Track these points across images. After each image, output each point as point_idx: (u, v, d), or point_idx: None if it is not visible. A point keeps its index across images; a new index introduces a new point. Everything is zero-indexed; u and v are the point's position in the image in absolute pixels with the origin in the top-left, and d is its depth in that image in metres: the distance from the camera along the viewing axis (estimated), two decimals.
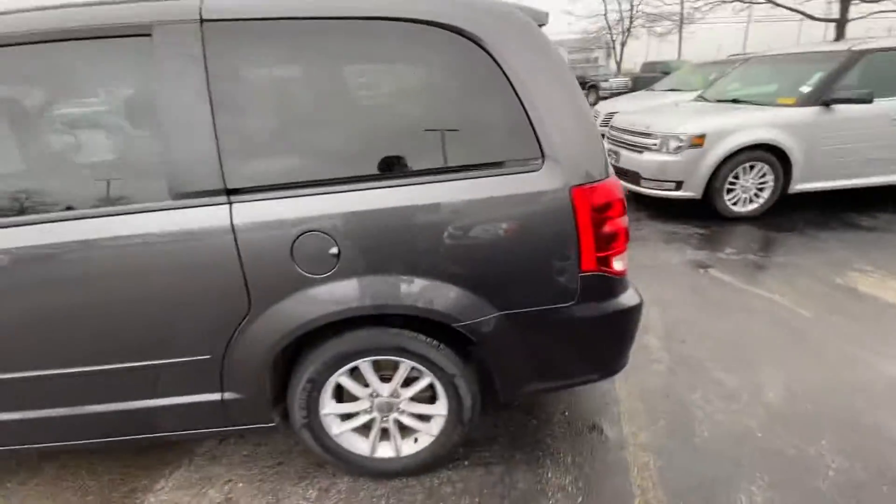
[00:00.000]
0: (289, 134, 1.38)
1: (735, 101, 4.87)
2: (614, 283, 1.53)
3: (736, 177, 4.27)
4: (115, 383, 1.46)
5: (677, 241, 3.94)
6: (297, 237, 1.31)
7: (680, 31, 24.43)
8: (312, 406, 1.58)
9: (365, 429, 1.70)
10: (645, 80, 14.14)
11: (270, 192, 1.31)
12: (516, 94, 1.34)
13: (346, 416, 1.68)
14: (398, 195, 1.35)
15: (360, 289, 1.37)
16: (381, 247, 1.36)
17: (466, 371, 1.56)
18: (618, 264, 1.50)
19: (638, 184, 4.58)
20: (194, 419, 1.55)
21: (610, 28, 23.97)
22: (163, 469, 1.81)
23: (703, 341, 2.49)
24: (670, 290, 3.07)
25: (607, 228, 1.43)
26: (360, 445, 1.69)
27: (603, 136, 4.91)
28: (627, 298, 1.57)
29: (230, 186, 1.30)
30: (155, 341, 1.41)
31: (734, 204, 4.37)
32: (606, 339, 1.62)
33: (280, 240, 1.31)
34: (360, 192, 1.34)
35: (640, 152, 4.56)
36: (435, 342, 1.50)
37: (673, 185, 4.35)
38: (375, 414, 1.65)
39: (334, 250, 1.33)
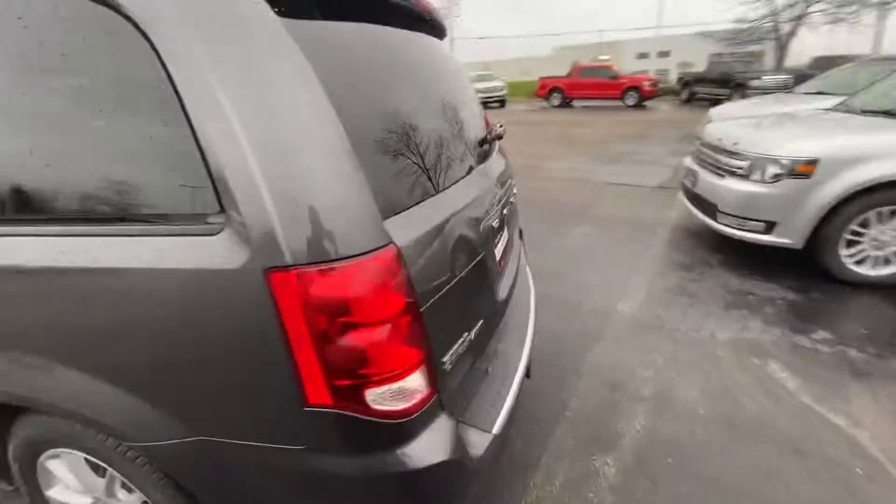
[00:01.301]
0: None
1: (890, 113, 3.37)
2: (380, 430, 0.90)
3: (864, 224, 2.93)
4: None
5: (744, 306, 2.82)
6: None
7: (879, 20, 19.07)
8: (32, 483, 1.25)
9: None
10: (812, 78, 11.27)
11: None
12: (182, 106, 0.79)
13: None
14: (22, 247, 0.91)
15: None
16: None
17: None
18: (381, 401, 0.87)
19: (714, 218, 3.44)
20: None
21: (776, 14, 19.77)
22: None
23: (695, 499, 1.60)
24: (689, 385, 2.13)
25: (346, 343, 0.82)
26: None
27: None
28: (415, 454, 0.92)
29: None
30: None
31: (857, 263, 3.01)
32: None
33: None
34: None
35: (722, 176, 3.41)
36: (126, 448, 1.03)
37: (761, 225, 3.14)
38: None
39: None
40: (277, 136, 0.79)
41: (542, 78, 19.20)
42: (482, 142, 1.59)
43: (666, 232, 4.17)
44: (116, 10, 0.80)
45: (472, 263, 1.18)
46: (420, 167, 1.10)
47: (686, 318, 2.71)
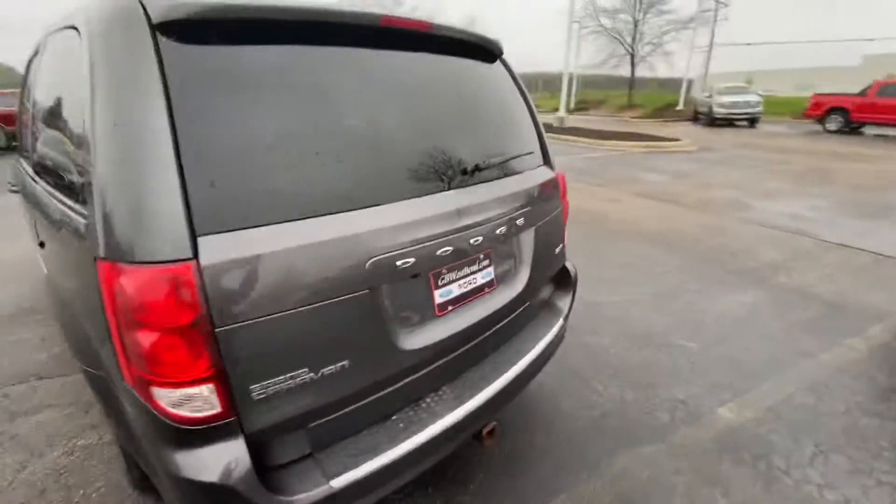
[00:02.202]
0: None
1: None
2: (166, 428, 0.95)
3: None
4: None
5: None
6: None
7: None
8: None
9: None
10: None
11: None
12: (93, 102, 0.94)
13: None
14: None
15: None
16: None
17: None
18: (169, 402, 0.93)
19: None
20: None
21: None
22: None
23: None
24: None
25: (134, 338, 0.90)
26: None
27: None
28: (187, 465, 0.95)
29: None
30: None
31: None
32: None
33: None
34: None
35: None
36: None
37: None
38: None
39: None
40: (114, 148, 0.88)
41: (817, 94, 15.00)
42: (470, 169, 1.36)
43: (883, 334, 2.77)
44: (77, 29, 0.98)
45: (336, 299, 1.04)
46: (295, 191, 1.01)
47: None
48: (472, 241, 1.31)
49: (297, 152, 1.04)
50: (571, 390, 2.23)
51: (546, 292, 1.93)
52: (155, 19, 0.92)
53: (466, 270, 1.36)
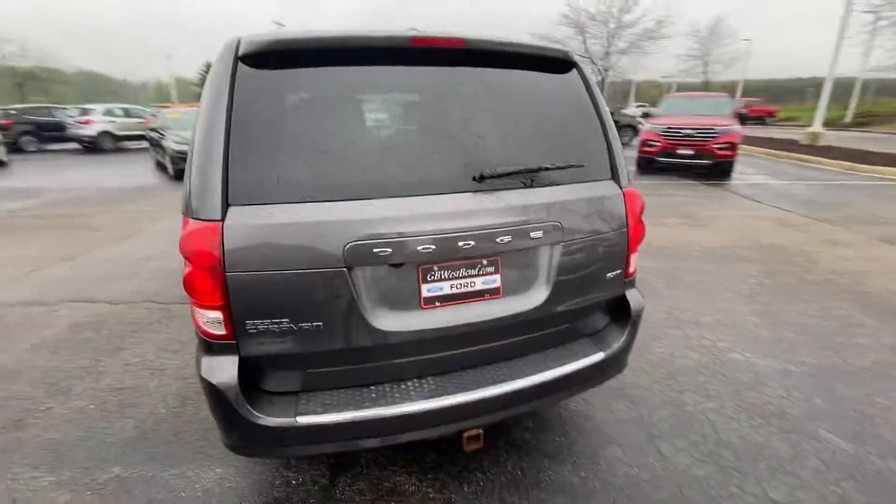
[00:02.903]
0: None
1: None
2: (201, 340, 1.34)
3: None
4: None
5: None
6: None
7: None
8: None
9: None
10: None
11: None
12: None
13: None
14: None
15: None
16: None
17: None
18: (202, 321, 1.28)
19: None
20: None
21: None
22: None
23: None
24: None
25: (188, 272, 1.25)
26: None
27: None
28: (204, 366, 1.31)
29: None
30: None
31: None
32: None
33: None
34: None
35: None
36: None
37: None
38: None
39: None
40: (196, 141, 1.27)
41: None
42: (477, 177, 1.39)
43: None
44: None
45: (316, 270, 1.26)
46: (298, 180, 1.27)
47: None
48: (460, 244, 1.34)
49: (306, 151, 1.29)
50: None
51: (598, 320, 1.75)
52: (240, 52, 1.27)
53: (463, 273, 1.40)
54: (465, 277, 1.40)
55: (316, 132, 1.30)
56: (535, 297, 1.51)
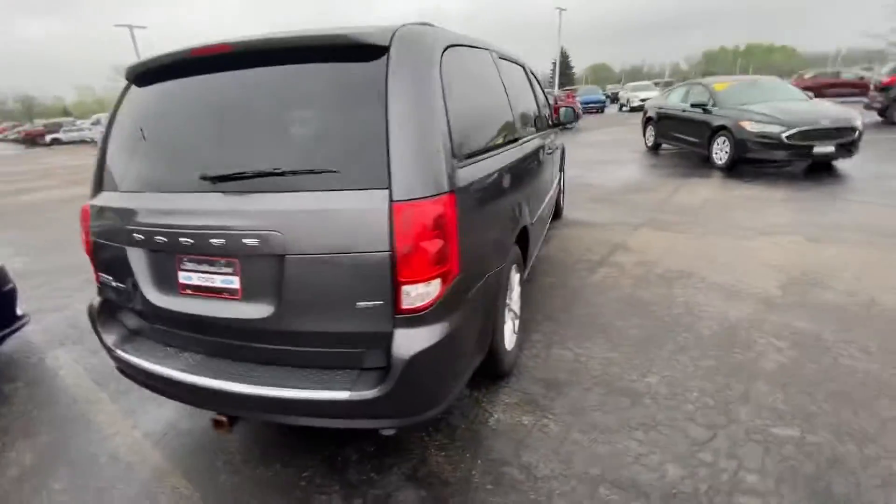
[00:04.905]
0: None
1: None
2: None
3: None
4: None
5: None
6: None
7: None
8: None
9: None
10: None
11: None
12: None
13: None
14: None
15: None
16: None
17: None
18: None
19: None
20: None
21: None
22: None
23: None
24: None
25: None
26: None
27: None
28: None
29: None
30: None
31: None
32: None
33: None
34: None
35: None
36: None
37: None
38: None
39: None
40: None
41: None
42: (210, 177, 1.53)
43: None
44: None
45: (114, 244, 1.73)
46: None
47: None
48: (182, 240, 1.50)
49: (126, 153, 1.82)
50: None
51: (373, 356, 1.46)
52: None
53: (206, 268, 1.52)
54: (207, 273, 1.53)
55: (131, 138, 1.76)
56: (264, 308, 1.45)
